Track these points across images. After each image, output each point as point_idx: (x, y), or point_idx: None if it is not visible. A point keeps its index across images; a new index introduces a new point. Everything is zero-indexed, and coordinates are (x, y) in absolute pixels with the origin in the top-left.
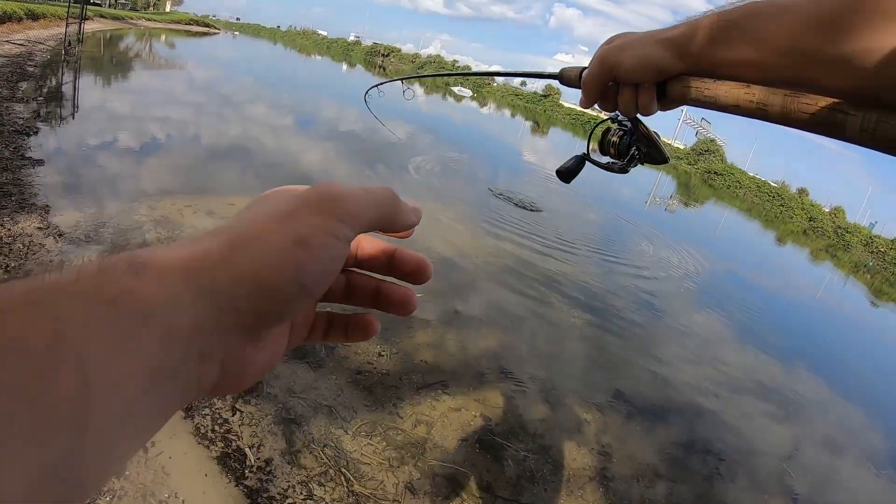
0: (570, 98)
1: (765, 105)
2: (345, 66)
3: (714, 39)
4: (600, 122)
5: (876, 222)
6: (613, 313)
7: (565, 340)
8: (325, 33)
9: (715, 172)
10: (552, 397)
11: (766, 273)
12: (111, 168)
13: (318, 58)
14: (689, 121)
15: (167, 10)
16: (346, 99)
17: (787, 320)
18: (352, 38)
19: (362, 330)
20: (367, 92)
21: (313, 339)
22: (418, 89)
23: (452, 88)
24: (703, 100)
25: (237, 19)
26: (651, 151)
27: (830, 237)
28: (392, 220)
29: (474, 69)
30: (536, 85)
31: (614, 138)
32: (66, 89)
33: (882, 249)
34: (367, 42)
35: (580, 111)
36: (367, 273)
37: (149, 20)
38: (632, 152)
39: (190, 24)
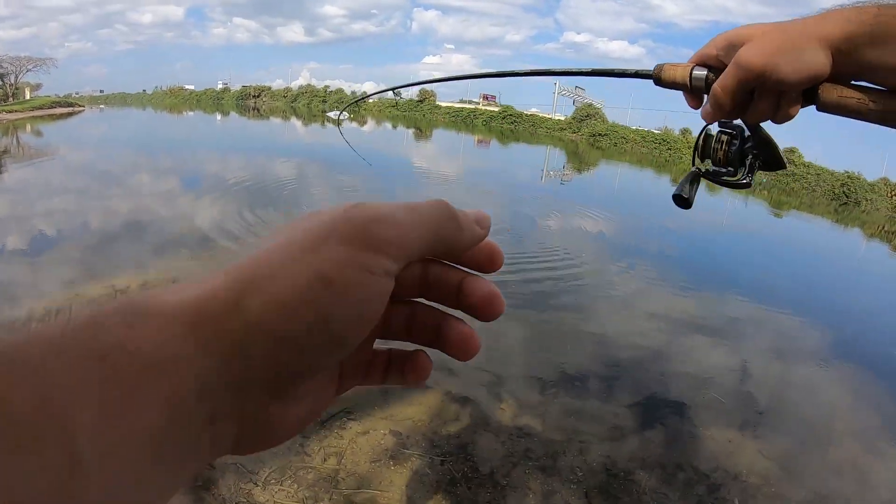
0: (445, 97)
1: None
2: (219, 116)
3: (873, 39)
4: (702, 130)
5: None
6: (533, 295)
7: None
8: (192, 87)
9: (599, 134)
10: (470, 393)
11: (671, 215)
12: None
13: (191, 113)
14: (563, 91)
15: (27, 97)
16: (227, 149)
17: (703, 254)
18: (220, 87)
19: (418, 371)
20: (338, 121)
21: (371, 381)
22: (295, 122)
23: (328, 115)
24: (850, 109)
25: (101, 92)
26: (769, 158)
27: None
28: (452, 241)
29: (347, 91)
30: (411, 92)
31: (723, 146)
32: None
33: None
34: (236, 86)
35: (458, 107)
36: (433, 305)
37: (9, 112)
38: (748, 161)
39: (53, 106)
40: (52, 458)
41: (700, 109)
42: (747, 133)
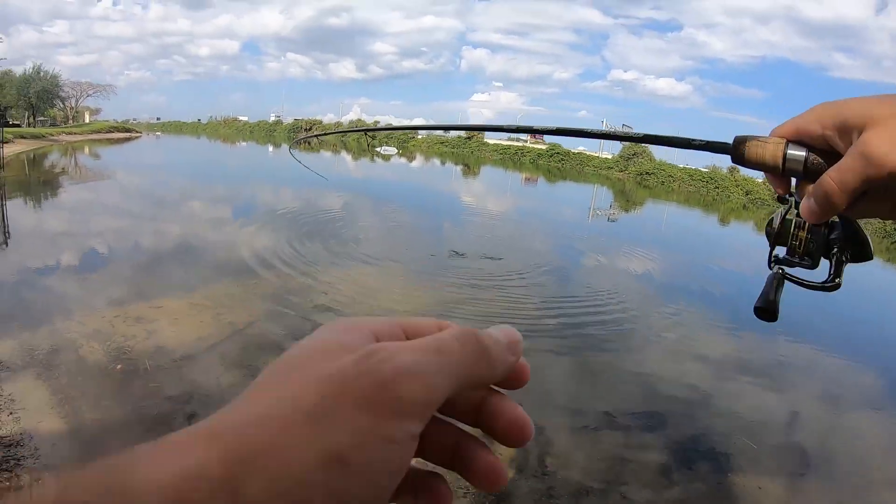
0: (493, 135)
1: None
2: (271, 148)
3: None
4: (785, 211)
5: None
6: (581, 335)
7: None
8: (245, 118)
9: (647, 173)
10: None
11: (719, 254)
12: (42, 291)
13: (244, 144)
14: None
15: (87, 121)
16: (278, 180)
17: (750, 294)
18: (273, 119)
19: (433, 498)
20: (295, 142)
21: None
22: (345, 155)
23: (378, 150)
24: None
25: (157, 119)
26: (859, 250)
27: (770, 204)
28: (483, 380)
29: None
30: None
31: (804, 233)
32: None
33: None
34: (289, 119)
35: (505, 145)
36: (449, 420)
37: (69, 134)
38: (833, 255)
39: (111, 131)
40: None
41: (803, 206)
42: (836, 220)
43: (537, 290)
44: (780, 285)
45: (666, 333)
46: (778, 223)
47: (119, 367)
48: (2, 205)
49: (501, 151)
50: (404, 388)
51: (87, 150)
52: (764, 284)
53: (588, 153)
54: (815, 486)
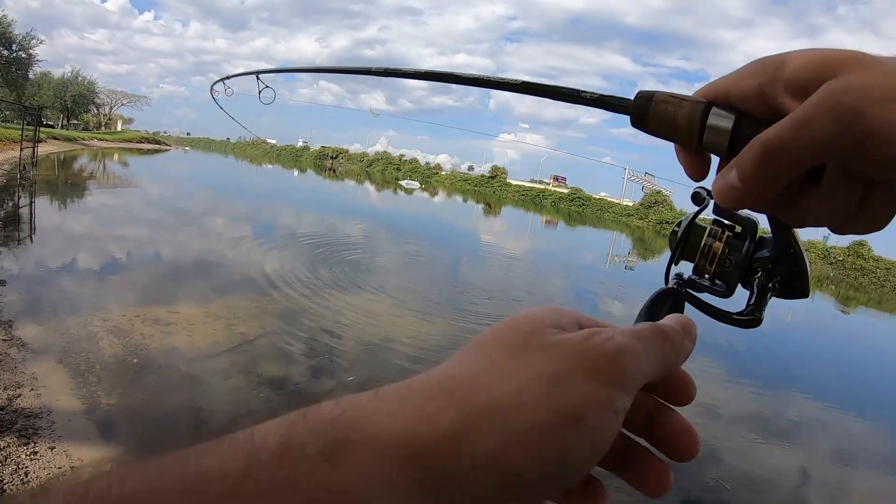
0: (516, 175)
1: None
2: (296, 172)
3: None
4: (696, 212)
5: (829, 234)
6: None
7: None
8: (274, 141)
9: (666, 222)
10: None
11: (733, 308)
12: (66, 285)
13: (269, 166)
14: (633, 177)
15: (118, 129)
16: (301, 205)
17: (766, 350)
18: (300, 144)
19: (588, 499)
20: (212, 87)
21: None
22: (368, 186)
23: (401, 183)
24: None
25: (188, 134)
26: (793, 280)
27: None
28: (671, 367)
29: (422, 161)
30: (483, 168)
31: (719, 248)
32: (23, 212)
33: (840, 258)
34: (316, 146)
35: (528, 186)
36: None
37: (100, 140)
38: (755, 281)
39: (141, 141)
40: None
41: (718, 181)
42: (764, 236)
43: None
44: (673, 306)
45: None
46: (685, 228)
47: (135, 360)
48: (31, 201)
49: (523, 193)
50: (627, 364)
51: (116, 157)
52: (646, 301)
53: (609, 199)
54: None
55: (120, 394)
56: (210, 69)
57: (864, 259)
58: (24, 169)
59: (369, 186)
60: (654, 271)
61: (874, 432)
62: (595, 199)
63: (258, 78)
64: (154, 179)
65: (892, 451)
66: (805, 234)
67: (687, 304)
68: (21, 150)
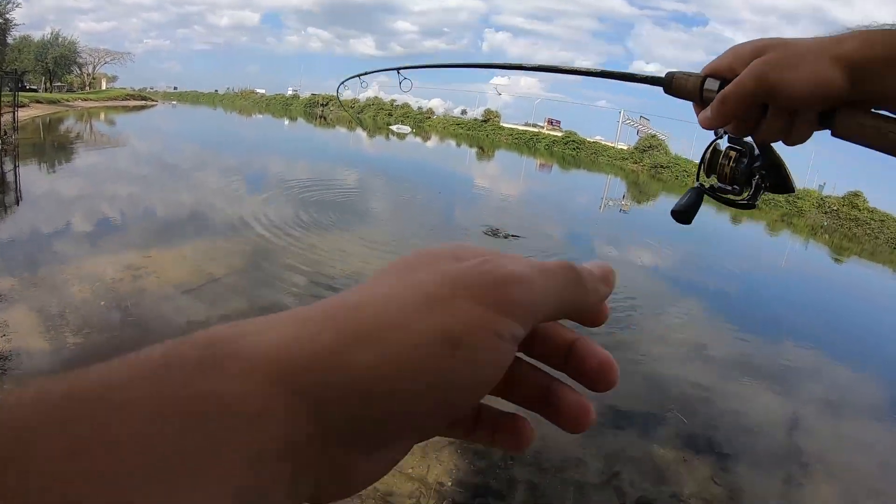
0: (510, 119)
1: None
2: (286, 121)
3: (892, 64)
4: (711, 144)
5: (825, 183)
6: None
7: None
8: (263, 91)
9: (661, 166)
10: None
11: (732, 254)
12: (48, 242)
13: (260, 116)
14: (628, 121)
15: (103, 87)
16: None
17: (761, 296)
18: (290, 93)
19: (513, 437)
20: (342, 83)
21: (453, 435)
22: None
23: (392, 128)
24: (868, 137)
25: (174, 88)
26: (777, 180)
27: (783, 206)
28: (578, 307)
29: (414, 107)
30: (476, 112)
31: (729, 163)
32: (8, 178)
33: (835, 208)
34: (305, 94)
35: (521, 130)
36: (536, 364)
37: (85, 100)
38: (755, 181)
39: (127, 98)
40: None
41: (701, 115)
42: (757, 152)
43: None
44: (698, 198)
45: (669, 328)
46: (709, 155)
47: (102, 303)
48: (15, 166)
49: (517, 136)
50: (515, 292)
51: (102, 116)
52: (684, 194)
53: (604, 143)
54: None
55: (86, 334)
56: (193, 20)
57: (859, 210)
58: (6, 134)
59: (361, 133)
60: (650, 216)
61: (861, 380)
62: (589, 142)
63: (398, 72)
64: (136, 134)
65: (872, 396)
66: (800, 184)
67: (707, 199)
68: (0, 115)
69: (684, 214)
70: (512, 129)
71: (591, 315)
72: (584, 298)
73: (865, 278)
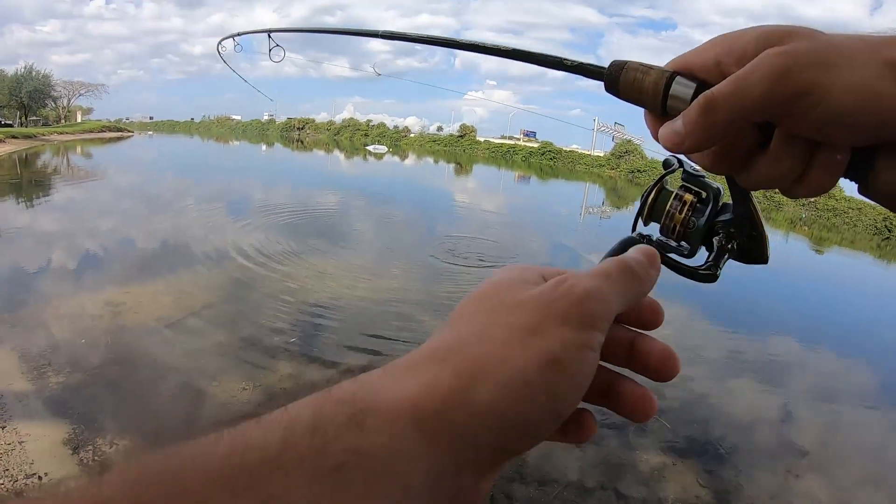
0: (486, 133)
1: None
2: (264, 147)
3: None
4: (660, 179)
5: None
6: None
7: None
8: (238, 117)
9: (638, 171)
10: None
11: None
12: (24, 279)
13: (236, 143)
14: (602, 128)
15: (79, 120)
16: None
17: (743, 293)
18: (266, 118)
19: (580, 430)
20: (219, 43)
21: (551, 438)
22: (337, 154)
23: (368, 148)
24: None
25: (150, 118)
26: (751, 245)
27: (761, 201)
28: (637, 298)
29: (389, 125)
30: (452, 127)
31: (682, 211)
32: None
33: (811, 199)
34: (282, 118)
35: (497, 143)
36: (603, 364)
37: (61, 133)
38: (716, 241)
39: (103, 130)
40: None
41: (665, 128)
42: (724, 202)
43: None
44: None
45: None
46: (651, 192)
47: (83, 341)
48: None
49: (493, 149)
50: (593, 306)
51: (78, 149)
52: (614, 245)
53: (580, 151)
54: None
55: (68, 373)
56: (167, 49)
57: (836, 199)
58: None
59: (338, 154)
60: (629, 220)
61: (850, 368)
62: (566, 151)
63: (269, 37)
64: (115, 167)
65: (862, 385)
66: None
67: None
68: None
69: None
70: (488, 142)
71: (644, 326)
72: (642, 289)
73: (848, 267)
